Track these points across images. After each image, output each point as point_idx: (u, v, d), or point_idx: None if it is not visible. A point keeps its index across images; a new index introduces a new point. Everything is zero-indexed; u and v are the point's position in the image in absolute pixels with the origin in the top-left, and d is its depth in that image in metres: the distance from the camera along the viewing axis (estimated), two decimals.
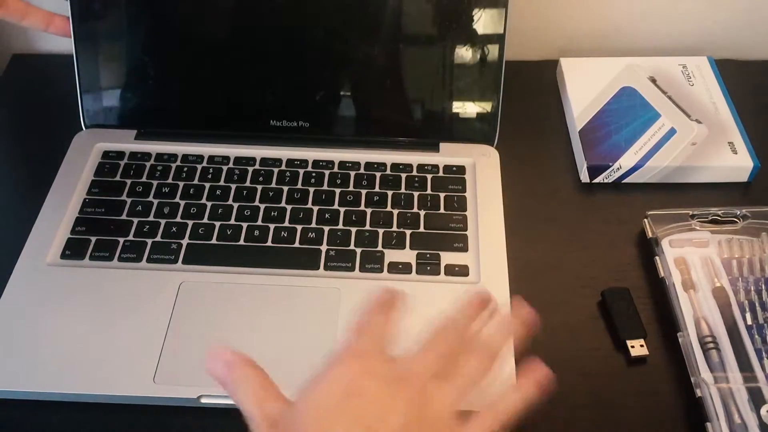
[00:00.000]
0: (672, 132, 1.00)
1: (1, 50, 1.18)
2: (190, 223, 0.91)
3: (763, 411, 0.75)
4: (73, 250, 0.88)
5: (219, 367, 0.66)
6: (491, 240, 0.91)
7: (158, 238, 0.90)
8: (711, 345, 0.80)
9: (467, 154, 0.99)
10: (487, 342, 0.69)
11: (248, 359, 0.66)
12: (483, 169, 0.98)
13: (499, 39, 0.97)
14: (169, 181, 0.95)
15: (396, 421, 0.60)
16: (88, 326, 0.82)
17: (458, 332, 0.69)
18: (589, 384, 0.81)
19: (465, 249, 0.90)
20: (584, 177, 1.00)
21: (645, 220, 0.92)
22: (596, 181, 1.00)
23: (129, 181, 0.95)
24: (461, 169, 0.97)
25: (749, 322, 0.82)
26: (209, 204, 0.93)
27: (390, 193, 0.95)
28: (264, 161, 0.98)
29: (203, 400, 0.77)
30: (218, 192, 0.94)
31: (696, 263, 0.87)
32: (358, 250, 0.90)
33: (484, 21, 0.96)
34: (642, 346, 0.83)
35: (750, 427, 0.74)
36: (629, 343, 0.83)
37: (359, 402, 0.61)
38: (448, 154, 0.99)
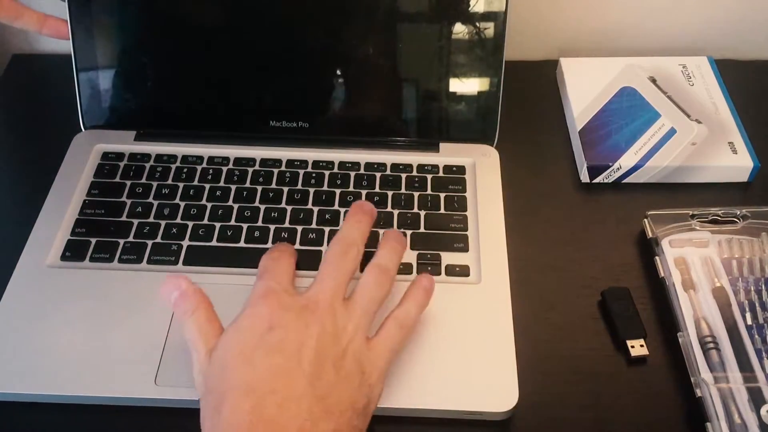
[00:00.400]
0: (672, 132, 1.00)
1: (1, 50, 1.19)
2: (191, 224, 0.91)
3: (763, 411, 0.75)
4: (73, 251, 0.88)
5: (174, 294, 0.73)
6: (492, 240, 0.90)
7: (158, 240, 0.90)
8: (711, 345, 0.80)
9: (467, 154, 0.99)
10: (380, 262, 0.77)
11: (200, 290, 0.74)
12: (483, 169, 0.98)
13: (498, 39, 0.97)
14: (169, 182, 0.95)
15: (311, 344, 0.68)
16: (88, 328, 0.82)
17: (351, 254, 0.77)
18: (589, 384, 0.81)
19: (465, 249, 0.90)
20: (584, 177, 1.00)
21: (645, 220, 0.92)
22: (596, 181, 1.00)
23: (129, 183, 0.95)
24: (461, 169, 0.97)
25: (749, 322, 0.82)
26: (209, 205, 0.93)
27: (390, 193, 0.95)
28: (264, 162, 0.98)
29: None
30: (218, 193, 0.94)
31: (696, 263, 0.87)
32: None
33: (483, 21, 0.96)
34: (642, 346, 0.83)
35: (750, 427, 0.74)
36: (629, 343, 0.83)
37: (278, 333, 0.69)
38: (448, 155, 0.99)
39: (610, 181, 1.00)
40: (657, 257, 0.89)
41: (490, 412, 0.77)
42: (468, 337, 0.80)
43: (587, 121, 1.03)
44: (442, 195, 0.95)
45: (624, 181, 1.00)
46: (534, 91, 1.13)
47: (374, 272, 0.76)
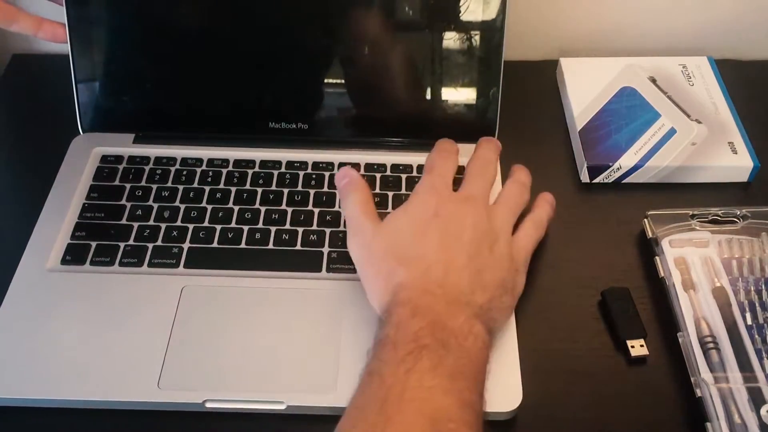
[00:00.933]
0: (672, 132, 1.00)
1: (1, 50, 1.19)
2: (191, 226, 0.91)
3: (763, 411, 0.75)
4: (73, 255, 0.88)
5: (343, 181, 0.87)
6: None
7: (159, 242, 0.90)
8: (711, 345, 0.80)
9: (467, 154, 0.98)
10: (519, 178, 0.92)
11: (363, 181, 0.87)
12: None
13: (498, 39, 0.97)
14: (169, 184, 0.95)
15: (470, 229, 0.81)
16: (90, 332, 0.81)
17: (491, 170, 0.90)
18: (589, 384, 0.81)
19: None
20: (584, 177, 1.00)
21: (645, 220, 0.92)
22: (596, 181, 1.00)
23: (128, 185, 0.95)
24: (461, 170, 0.97)
25: (749, 322, 0.82)
26: (209, 207, 0.93)
27: (390, 194, 0.96)
28: (263, 164, 0.98)
29: (208, 405, 0.77)
30: (218, 195, 0.94)
31: (696, 263, 0.87)
32: None
33: (482, 21, 0.96)
34: (642, 346, 0.83)
35: (750, 427, 0.74)
36: (629, 343, 0.83)
37: (443, 219, 0.81)
38: None
39: (610, 181, 1.00)
40: (657, 257, 0.89)
41: (495, 412, 0.77)
42: None
43: (587, 121, 1.03)
44: None
45: (624, 181, 1.00)
46: (534, 91, 1.13)
47: (516, 185, 0.90)
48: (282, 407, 0.77)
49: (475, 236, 0.80)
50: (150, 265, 0.88)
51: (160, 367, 0.79)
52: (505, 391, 0.78)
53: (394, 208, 0.92)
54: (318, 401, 0.77)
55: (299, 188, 0.95)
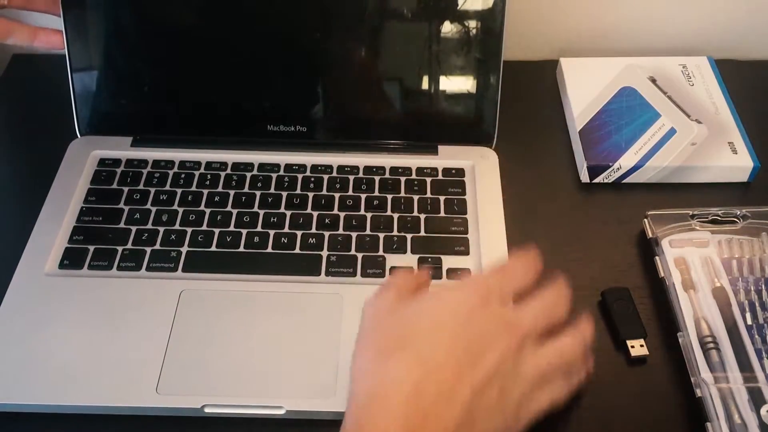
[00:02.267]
0: (672, 132, 1.00)
1: (1, 50, 1.18)
2: (189, 230, 0.91)
3: (763, 411, 0.75)
4: (71, 259, 0.88)
5: None
6: (492, 242, 0.90)
7: (157, 246, 0.90)
8: (711, 345, 0.80)
9: (466, 156, 0.98)
10: (585, 335, 0.76)
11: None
12: (482, 171, 0.98)
13: (497, 40, 0.96)
14: (167, 188, 0.95)
15: (491, 359, 0.68)
16: (88, 336, 0.81)
17: (563, 305, 0.76)
18: (589, 384, 0.81)
19: (466, 252, 0.90)
20: (584, 177, 1.00)
21: (645, 220, 0.92)
22: (596, 181, 1.00)
23: (126, 189, 0.95)
24: (460, 172, 0.97)
25: (749, 322, 0.82)
26: (208, 211, 0.93)
27: (390, 197, 0.95)
28: (262, 167, 0.98)
29: (207, 410, 0.77)
30: (217, 198, 0.94)
31: (696, 263, 0.87)
32: (359, 255, 0.89)
33: (482, 22, 0.96)
34: (642, 346, 0.83)
35: (750, 427, 0.74)
36: (629, 343, 0.83)
37: (470, 330, 0.69)
38: (447, 157, 0.99)
39: (610, 181, 1.00)
40: (657, 257, 0.89)
41: None
42: None
43: (587, 121, 1.03)
44: (442, 198, 0.95)
45: (624, 181, 1.00)
46: (534, 91, 1.13)
47: (576, 340, 0.75)
48: (281, 412, 0.77)
49: (493, 368, 0.68)
50: (148, 269, 0.88)
51: (158, 372, 0.79)
52: None
53: (393, 211, 0.93)
54: (317, 406, 0.77)
55: (298, 191, 0.95)
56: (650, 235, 0.91)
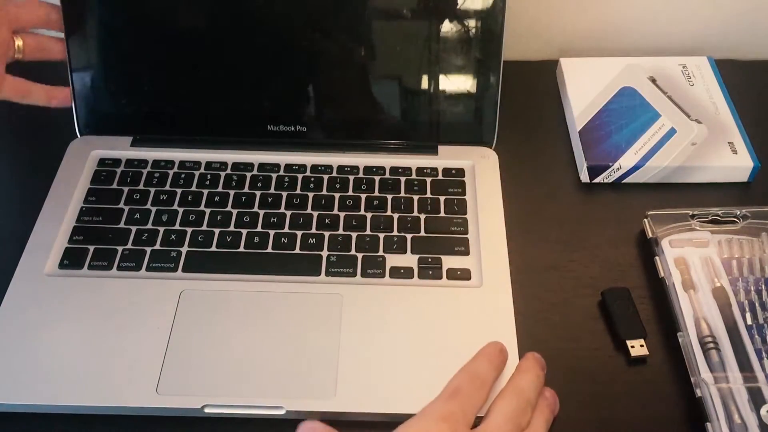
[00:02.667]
0: (672, 132, 1.00)
1: None
2: (189, 230, 0.91)
3: (763, 411, 0.75)
4: (71, 259, 0.88)
5: None
6: (492, 242, 0.90)
7: (157, 246, 0.89)
8: (711, 345, 0.80)
9: (466, 156, 0.98)
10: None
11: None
12: (482, 171, 0.98)
13: (496, 41, 0.96)
14: (167, 188, 0.95)
15: None
16: (88, 337, 0.81)
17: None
18: (589, 384, 0.81)
19: (466, 252, 0.90)
20: (584, 177, 1.00)
21: (645, 220, 0.92)
22: (596, 181, 1.00)
23: (126, 189, 0.95)
24: (460, 172, 0.97)
25: (749, 322, 0.82)
26: (208, 211, 0.93)
27: (390, 197, 0.95)
28: (262, 167, 0.98)
29: (207, 410, 0.77)
30: (217, 198, 0.94)
31: (696, 263, 0.87)
32: (360, 256, 0.89)
33: (481, 23, 0.96)
34: (642, 346, 0.83)
35: (750, 427, 0.74)
36: (629, 343, 0.83)
37: None
38: (447, 157, 0.99)
39: (610, 181, 1.00)
40: (657, 257, 0.89)
41: None
42: (471, 341, 0.79)
43: (587, 121, 1.03)
44: (442, 198, 0.95)
45: (624, 181, 1.00)
46: (534, 91, 1.13)
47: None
48: (281, 412, 0.77)
49: None
50: (148, 269, 0.88)
51: (158, 372, 0.79)
52: None
53: (393, 211, 0.92)
54: (317, 407, 0.77)
55: (297, 191, 0.95)
56: (650, 235, 0.91)
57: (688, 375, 0.80)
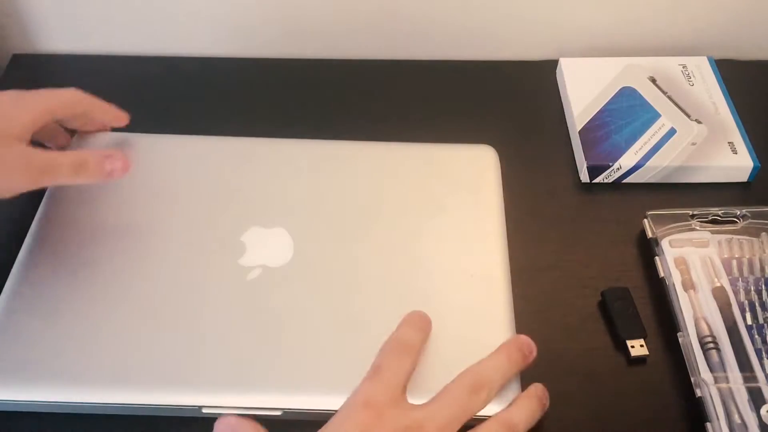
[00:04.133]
0: (672, 132, 1.00)
1: (1, 50, 1.18)
2: None
3: (763, 411, 0.75)
4: None
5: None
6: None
7: None
8: (711, 345, 0.80)
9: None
10: (512, 418, 0.71)
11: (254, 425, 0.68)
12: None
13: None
14: None
15: None
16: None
17: (482, 396, 0.71)
18: (589, 384, 0.81)
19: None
20: (584, 177, 1.00)
21: (645, 220, 0.92)
22: (596, 181, 1.00)
23: None
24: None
25: (749, 322, 0.82)
26: None
27: None
28: None
29: (205, 411, 0.77)
30: None
31: (696, 263, 0.87)
32: None
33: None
34: (642, 346, 0.83)
35: (750, 427, 0.74)
36: (629, 343, 0.83)
37: None
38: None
39: (610, 181, 1.00)
40: (657, 257, 0.89)
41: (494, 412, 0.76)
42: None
43: (587, 121, 1.03)
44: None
45: (624, 181, 1.00)
46: (534, 91, 1.12)
47: (503, 428, 0.70)
48: (278, 413, 0.76)
49: None
50: None
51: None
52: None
53: None
54: (316, 404, 0.76)
55: None
56: (650, 235, 0.91)
57: (688, 375, 0.80)
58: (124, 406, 0.77)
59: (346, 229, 0.89)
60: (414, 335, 0.74)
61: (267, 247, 0.87)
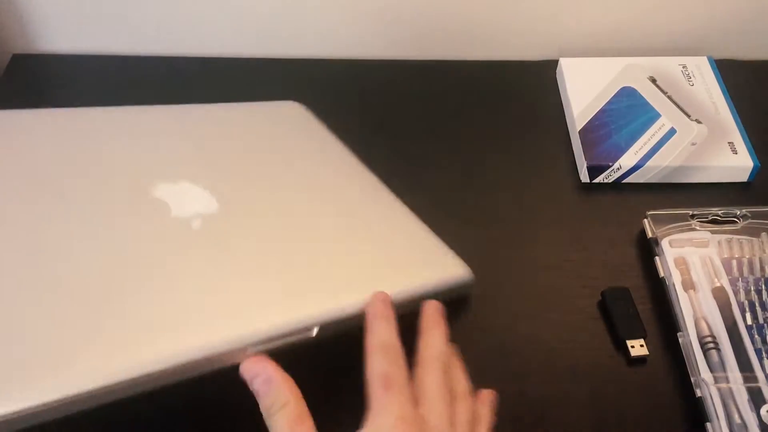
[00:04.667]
0: (672, 132, 1.00)
1: (1, 50, 1.18)
2: None
3: (763, 411, 0.75)
4: None
5: (257, 380, 0.64)
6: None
7: None
8: (711, 345, 0.80)
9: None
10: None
11: (289, 379, 0.64)
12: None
13: None
14: None
15: None
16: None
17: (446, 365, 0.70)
18: (589, 384, 0.81)
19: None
20: (584, 177, 1.00)
21: (645, 220, 0.92)
22: (596, 181, 1.00)
23: None
24: None
25: (749, 322, 0.82)
26: None
27: None
28: None
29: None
30: None
31: (696, 263, 0.87)
32: None
33: None
34: (642, 346, 0.83)
35: (750, 427, 0.74)
36: (629, 343, 0.83)
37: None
38: None
39: (610, 181, 1.00)
40: (657, 257, 0.89)
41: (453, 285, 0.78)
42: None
43: (587, 121, 1.03)
44: None
45: (624, 181, 1.00)
46: (534, 91, 1.12)
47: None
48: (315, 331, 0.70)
49: None
50: None
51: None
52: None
53: None
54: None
55: None
56: (650, 235, 0.91)
57: (688, 375, 0.80)
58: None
59: (238, 177, 0.83)
60: (392, 334, 0.69)
61: (189, 200, 0.77)
